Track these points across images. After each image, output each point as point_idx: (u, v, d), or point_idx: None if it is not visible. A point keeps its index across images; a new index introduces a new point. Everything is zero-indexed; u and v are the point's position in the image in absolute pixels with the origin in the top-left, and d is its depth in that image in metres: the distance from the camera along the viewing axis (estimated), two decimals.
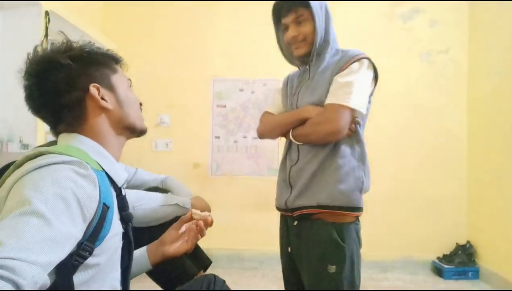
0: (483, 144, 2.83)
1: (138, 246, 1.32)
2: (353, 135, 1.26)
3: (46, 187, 0.65)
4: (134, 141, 3.40)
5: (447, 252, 2.94)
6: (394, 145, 3.03)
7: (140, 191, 1.41)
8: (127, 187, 1.64)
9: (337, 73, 1.24)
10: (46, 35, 2.13)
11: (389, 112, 3.03)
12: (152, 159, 3.07)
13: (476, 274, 2.79)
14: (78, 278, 0.73)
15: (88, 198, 0.70)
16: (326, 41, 1.29)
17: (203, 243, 2.94)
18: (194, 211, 1.13)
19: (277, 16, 1.34)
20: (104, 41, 2.87)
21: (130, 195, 1.27)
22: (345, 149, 1.24)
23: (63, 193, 0.66)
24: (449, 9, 3.05)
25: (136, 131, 0.94)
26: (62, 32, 0.89)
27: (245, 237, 3.03)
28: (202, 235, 1.12)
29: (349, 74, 1.22)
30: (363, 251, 3.15)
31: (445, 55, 3.05)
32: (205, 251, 2.94)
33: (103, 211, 0.76)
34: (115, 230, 0.81)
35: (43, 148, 0.75)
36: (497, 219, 2.63)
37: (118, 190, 0.87)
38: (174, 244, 1.09)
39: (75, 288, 0.72)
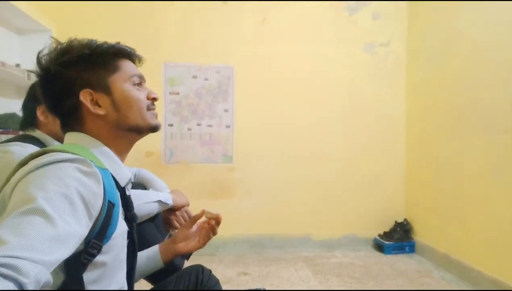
0: (419, 129, 3.11)
1: None
2: None
3: (50, 185, 0.64)
4: None
5: (387, 229, 3.22)
6: (342, 129, 3.21)
7: None
8: None
9: None
10: None
11: (338, 98, 3.20)
12: None
13: (412, 248, 3.10)
14: (87, 277, 0.73)
15: (93, 196, 0.70)
16: None
17: None
18: (206, 210, 1.15)
19: None
20: (42, 21, 2.67)
21: None
22: None
23: (67, 191, 0.65)
24: (391, 3, 3.26)
25: (143, 131, 0.89)
26: (52, 37, 0.86)
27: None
28: (214, 233, 1.14)
29: None
30: (312, 231, 3.33)
31: (387, 47, 3.27)
32: None
33: (109, 208, 0.75)
34: (121, 228, 0.81)
35: (48, 147, 0.75)
36: (431, 197, 2.93)
37: (121, 189, 0.86)
38: (186, 242, 1.11)
39: (85, 287, 0.73)
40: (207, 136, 3.08)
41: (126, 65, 0.89)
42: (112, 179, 0.81)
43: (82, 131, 0.84)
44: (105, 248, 0.75)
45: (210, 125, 3.08)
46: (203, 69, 3.07)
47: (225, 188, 3.11)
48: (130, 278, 0.92)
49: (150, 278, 1.37)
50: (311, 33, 3.19)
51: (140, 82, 0.90)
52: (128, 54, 0.90)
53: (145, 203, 1.33)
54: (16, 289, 0.51)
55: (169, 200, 1.42)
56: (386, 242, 3.09)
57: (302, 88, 3.19)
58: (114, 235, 0.77)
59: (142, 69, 3.35)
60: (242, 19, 3.13)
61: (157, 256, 1.10)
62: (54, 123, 1.30)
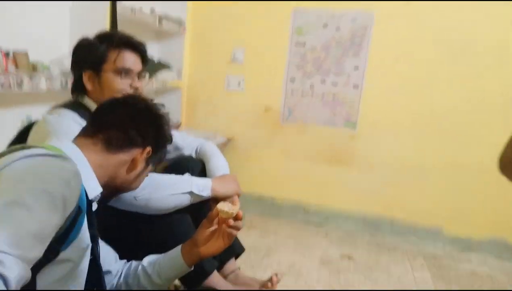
0: None
1: (152, 236, 1.18)
2: None
3: (34, 178, 0.64)
4: (206, 78, 3.24)
5: None
6: (504, 106, 2.41)
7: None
8: None
9: None
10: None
11: (504, 68, 2.37)
12: (223, 98, 2.92)
13: None
14: (44, 281, 0.71)
15: (72, 196, 0.69)
16: None
17: (268, 190, 2.88)
18: (220, 207, 0.98)
19: None
20: None
21: None
22: None
23: (50, 187, 0.64)
24: None
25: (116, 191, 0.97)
26: None
27: (313, 190, 2.84)
28: (237, 230, 1.01)
29: None
30: (445, 224, 2.64)
31: None
32: (269, 199, 2.88)
33: (77, 213, 0.73)
34: (84, 240, 0.78)
35: (34, 144, 0.77)
36: None
37: (89, 202, 0.81)
38: (209, 243, 1.01)
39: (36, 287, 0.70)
40: (330, 96, 2.71)
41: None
42: (83, 186, 0.78)
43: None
44: (62, 254, 0.72)
45: (335, 84, 2.69)
46: (336, 16, 2.63)
47: (344, 156, 2.76)
48: None
49: (183, 281, 1.24)
50: None
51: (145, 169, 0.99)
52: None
53: (171, 195, 1.15)
54: (1, 282, 0.51)
55: (206, 190, 1.21)
56: None
57: (457, 51, 2.45)
58: (74, 243, 0.74)
59: (269, 18, 3.07)
60: None
61: (180, 261, 1.00)
62: (101, 91, 1.19)
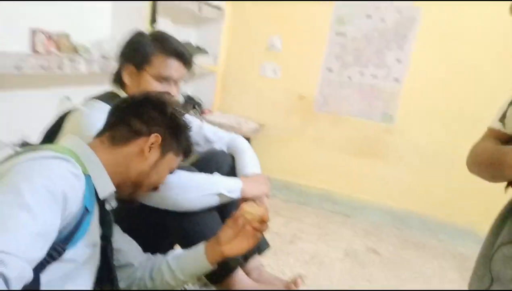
0: None
1: (177, 232, 1.20)
2: None
3: (38, 179, 0.65)
4: (243, 63, 3.25)
5: None
6: None
7: (174, 176, 1.14)
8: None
9: None
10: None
11: None
12: (257, 83, 2.94)
13: None
14: (42, 278, 0.71)
15: (74, 198, 0.71)
16: None
17: (295, 178, 2.90)
18: (246, 208, 0.99)
19: None
20: None
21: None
22: None
23: (52, 187, 0.65)
24: None
25: (125, 194, 0.94)
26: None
27: (342, 180, 2.83)
28: (263, 231, 1.01)
29: None
30: (478, 224, 2.55)
31: None
32: (296, 186, 2.89)
33: (83, 214, 0.75)
34: (90, 240, 0.79)
35: (39, 145, 0.81)
36: None
37: (101, 203, 0.84)
38: (232, 243, 1.00)
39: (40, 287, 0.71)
40: (368, 88, 2.67)
41: (176, 159, 1.02)
42: (92, 187, 0.81)
43: (117, 148, 0.89)
44: (68, 254, 0.73)
45: (375, 76, 2.64)
46: (382, 7, 2.55)
47: (377, 149, 2.72)
48: None
49: (207, 276, 1.21)
50: None
51: (172, 169, 1.03)
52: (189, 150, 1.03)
53: (200, 196, 1.15)
54: (2, 282, 0.52)
55: (236, 191, 1.21)
56: None
57: (500, 55, 2.35)
58: (80, 244, 0.76)
59: (311, 4, 3.00)
60: None
61: (202, 258, 1.00)
62: (137, 89, 1.19)
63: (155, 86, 1.20)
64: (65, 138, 0.87)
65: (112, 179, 0.86)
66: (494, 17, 2.34)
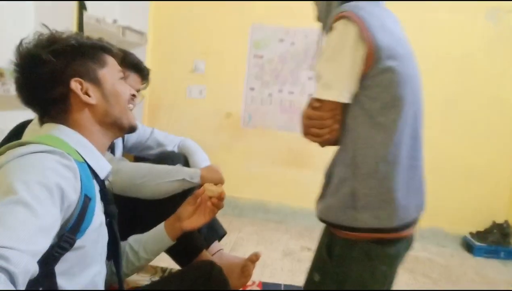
0: None
1: (148, 219, 1.27)
2: (344, 135, 0.95)
3: (30, 175, 0.65)
4: (168, 87, 3.38)
5: (481, 229, 2.81)
6: (442, 111, 2.80)
7: (144, 165, 1.34)
8: (137, 147, 1.63)
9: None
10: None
11: (442, 75, 2.78)
12: (185, 105, 3.06)
13: (509, 255, 2.66)
14: (57, 269, 0.73)
15: (70, 188, 0.70)
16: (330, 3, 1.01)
17: (230, 191, 3.01)
18: (207, 186, 1.11)
19: None
20: None
21: (133, 171, 1.26)
22: (338, 155, 0.99)
23: (46, 181, 0.65)
24: None
25: (124, 129, 0.92)
26: (44, 25, 0.86)
27: (273, 189, 3.04)
28: (219, 208, 1.12)
29: (324, 54, 0.94)
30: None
31: None
32: (232, 200, 3.00)
33: (85, 202, 0.75)
34: (97, 222, 0.81)
35: (24, 139, 0.75)
36: None
37: (101, 182, 0.86)
38: (192, 218, 1.10)
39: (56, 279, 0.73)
40: (287, 103, 2.96)
41: (113, 61, 0.92)
42: (89, 172, 0.81)
43: (65, 122, 0.84)
44: (78, 242, 0.74)
45: (292, 93, 2.95)
46: (291, 32, 2.91)
47: (301, 159, 3.00)
48: (118, 269, 0.95)
49: (171, 254, 1.36)
50: None
51: (123, 77, 0.94)
52: (111, 51, 0.92)
53: (167, 181, 1.29)
54: (7, 278, 0.51)
55: (197, 177, 1.37)
56: (478, 243, 2.70)
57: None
58: (88, 230, 0.77)
59: (230, 32, 3.26)
60: None
61: (163, 235, 1.09)
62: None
63: None
64: (49, 128, 0.83)
65: (102, 144, 0.87)
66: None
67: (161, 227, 1.11)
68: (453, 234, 2.88)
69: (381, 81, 0.89)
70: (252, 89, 2.99)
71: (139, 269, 1.11)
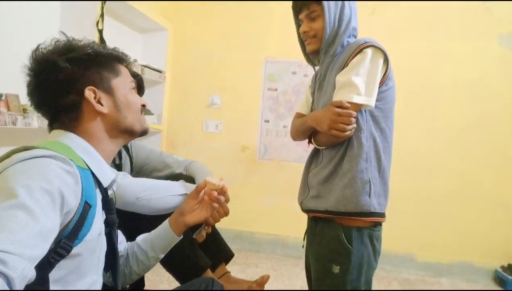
0: None
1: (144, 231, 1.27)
2: (359, 135, 1.16)
3: (31, 180, 0.64)
4: (186, 121, 3.46)
5: None
6: (461, 139, 2.73)
7: (146, 180, 1.34)
8: (146, 169, 1.64)
9: (341, 70, 1.17)
10: (102, 15, 2.20)
11: (459, 102, 2.73)
12: (202, 139, 3.10)
13: None
14: (52, 275, 0.72)
15: (71, 194, 0.70)
16: (337, 37, 1.22)
17: (247, 226, 2.97)
18: (209, 181, 1.09)
19: (296, 12, 1.32)
20: (161, 21, 2.91)
21: (134, 185, 1.26)
22: (352, 151, 1.16)
23: (48, 186, 0.65)
24: None
25: (135, 134, 0.92)
26: (62, 32, 0.88)
27: (290, 223, 2.95)
28: (221, 202, 1.12)
29: (350, 71, 1.14)
30: (416, 251, 2.92)
31: None
32: (248, 235, 2.95)
33: (85, 209, 0.75)
34: (96, 230, 0.80)
35: (30, 144, 0.75)
36: None
37: (104, 191, 0.86)
38: (194, 212, 1.10)
39: (50, 286, 0.72)
40: None
41: (126, 71, 0.93)
42: (92, 179, 0.81)
43: (74, 129, 0.84)
44: (75, 249, 0.73)
45: None
46: (304, 65, 2.95)
47: None
48: (115, 279, 0.92)
49: (174, 273, 1.33)
50: (429, 25, 2.79)
51: (134, 87, 0.94)
52: (125, 61, 0.93)
53: (169, 196, 1.28)
54: (4, 282, 0.51)
55: None
56: (510, 277, 2.52)
57: (416, 89, 2.80)
58: (86, 238, 0.76)
59: (244, 67, 3.37)
60: None
61: (168, 231, 1.09)
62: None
63: None
64: (57, 134, 0.83)
65: (111, 151, 0.87)
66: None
67: (166, 223, 1.11)
68: (484, 268, 2.70)
69: (386, 96, 1.19)
70: (267, 121, 3.01)
71: (149, 268, 1.11)
